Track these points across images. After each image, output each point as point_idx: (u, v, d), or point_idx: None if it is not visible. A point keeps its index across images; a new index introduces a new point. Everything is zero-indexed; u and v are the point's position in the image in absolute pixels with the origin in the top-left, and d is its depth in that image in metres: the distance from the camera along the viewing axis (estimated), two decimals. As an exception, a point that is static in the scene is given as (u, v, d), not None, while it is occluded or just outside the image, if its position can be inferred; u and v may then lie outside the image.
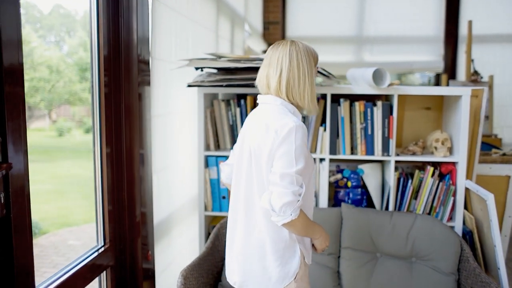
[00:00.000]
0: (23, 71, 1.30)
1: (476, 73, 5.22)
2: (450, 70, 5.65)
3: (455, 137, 2.39)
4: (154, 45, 2.15)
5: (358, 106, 2.37)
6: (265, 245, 1.58)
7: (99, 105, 1.88)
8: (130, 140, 2.01)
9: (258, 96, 1.69)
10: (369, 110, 2.36)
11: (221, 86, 2.20)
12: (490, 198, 2.02)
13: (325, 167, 2.42)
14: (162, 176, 2.34)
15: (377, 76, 2.31)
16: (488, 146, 4.05)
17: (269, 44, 5.82)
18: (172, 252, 2.50)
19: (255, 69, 2.17)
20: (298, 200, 1.48)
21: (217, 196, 2.55)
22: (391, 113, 2.35)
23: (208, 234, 2.61)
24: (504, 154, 3.49)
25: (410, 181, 2.42)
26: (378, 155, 2.37)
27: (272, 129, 1.53)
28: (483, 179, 2.78)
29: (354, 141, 2.40)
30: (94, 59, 1.84)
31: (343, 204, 2.32)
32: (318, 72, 2.17)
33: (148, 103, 2.10)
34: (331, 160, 2.59)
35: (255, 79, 2.16)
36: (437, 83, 5.79)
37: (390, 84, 2.26)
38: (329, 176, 2.56)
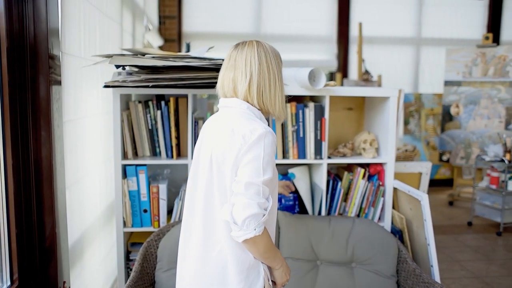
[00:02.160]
0: None
1: (367, 72, 5.50)
2: (343, 69, 5.89)
3: (381, 137, 2.41)
4: (64, 38, 1.81)
5: (290, 108, 2.27)
6: (226, 266, 1.40)
7: (1, 109, 1.51)
8: (39, 150, 1.67)
9: (220, 100, 1.52)
10: (300, 112, 2.27)
11: (147, 86, 1.93)
12: (424, 198, 2.06)
13: (257, 172, 2.27)
14: (75, 190, 2.00)
15: (310, 77, 2.23)
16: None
17: (165, 40, 5.52)
18: (88, 277, 2.16)
19: (185, 68, 1.95)
20: (264, 215, 1.33)
21: (138, 210, 2.26)
22: (322, 114, 2.29)
23: (127, 253, 2.31)
24: (406, 151, 3.68)
25: (339, 183, 2.39)
26: (310, 158, 2.30)
27: (239, 134, 1.37)
28: (398, 176, 2.87)
29: (285, 144, 2.30)
30: (-7, 53, 1.47)
31: (279, 212, 2.21)
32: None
33: (59, 106, 1.76)
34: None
35: (184, 79, 1.95)
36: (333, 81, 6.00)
37: (326, 85, 2.19)
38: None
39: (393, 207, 2.45)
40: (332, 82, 2.19)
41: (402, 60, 6.00)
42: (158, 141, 2.27)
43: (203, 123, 2.12)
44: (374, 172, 2.43)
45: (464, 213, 4.97)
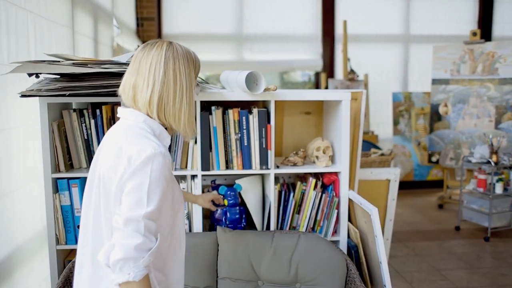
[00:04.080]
0: None
1: (352, 71, 5.32)
2: (329, 68, 5.70)
3: (337, 144, 2.24)
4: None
5: (232, 114, 2.10)
6: None
7: None
8: None
9: (119, 109, 1.34)
10: (244, 118, 2.10)
11: (63, 95, 1.78)
12: (374, 212, 1.89)
13: (197, 184, 2.11)
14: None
15: (252, 80, 2.07)
16: (367, 144, 4.09)
17: (144, 42, 5.37)
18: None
19: (106, 75, 1.80)
20: (143, 257, 1.15)
21: (72, 226, 2.11)
22: (268, 121, 2.12)
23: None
24: (382, 154, 3.50)
25: (292, 194, 2.22)
26: (256, 168, 2.13)
27: (125, 156, 1.20)
28: (365, 184, 2.69)
29: (229, 153, 2.13)
30: None
31: (218, 227, 2.04)
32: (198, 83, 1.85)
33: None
34: (205, 176, 2.29)
35: (106, 86, 1.80)
36: (318, 81, 5.83)
37: (266, 89, 2.02)
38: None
39: (351, 220, 2.28)
40: (272, 86, 2.02)
41: (390, 58, 5.80)
42: (94, 151, 2.12)
43: None
44: (328, 182, 2.25)
45: (453, 217, 4.76)
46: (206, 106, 2.16)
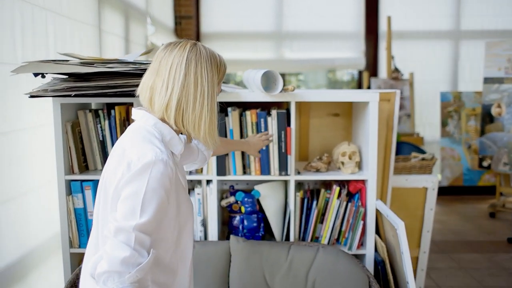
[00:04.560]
0: None
1: (397, 70, 5.05)
2: (372, 67, 5.45)
3: (365, 149, 2.05)
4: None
5: (250, 116, 1.97)
6: None
7: None
8: None
9: (133, 110, 1.26)
10: (262, 120, 1.97)
11: (69, 96, 1.71)
12: (400, 226, 1.70)
13: (212, 190, 2.00)
14: (5, 209, 1.83)
15: (271, 80, 1.93)
16: (410, 146, 3.84)
17: (182, 41, 5.34)
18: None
19: (114, 75, 1.71)
20: (129, 272, 1.05)
21: (85, 229, 2.06)
22: (288, 123, 1.97)
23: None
24: (423, 159, 3.25)
25: (315, 202, 2.06)
26: (274, 174, 1.99)
27: (126, 160, 1.11)
28: (399, 192, 2.48)
29: (246, 158, 2.00)
30: None
31: (231, 236, 1.92)
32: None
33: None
34: (224, 181, 2.17)
35: (113, 86, 1.71)
36: (361, 80, 5.59)
37: (284, 89, 1.88)
38: (221, 199, 2.15)
39: (379, 233, 2.09)
40: (290, 86, 1.87)
41: (438, 55, 5.45)
42: (109, 153, 2.05)
43: None
44: (354, 191, 2.07)
45: (506, 227, 4.39)
46: (223, 108, 2.03)
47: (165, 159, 1.11)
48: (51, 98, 1.92)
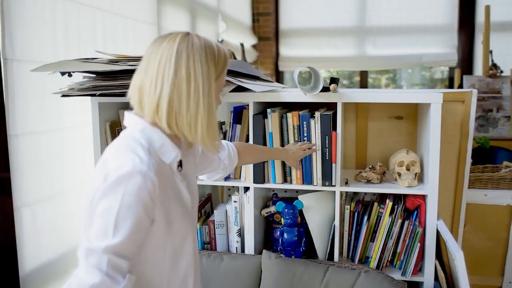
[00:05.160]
0: None
1: (495, 66, 4.48)
2: (466, 63, 4.89)
3: (427, 158, 1.75)
4: (14, 43, 1.64)
5: (291, 118, 1.77)
6: None
7: None
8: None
9: (125, 114, 1.12)
10: (305, 123, 1.75)
11: (93, 95, 1.65)
12: (458, 257, 1.39)
13: (250, 198, 1.83)
14: (47, 207, 1.83)
15: (315, 78, 1.71)
16: (507, 153, 3.36)
17: (260, 39, 5.23)
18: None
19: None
20: None
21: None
22: (334, 127, 1.73)
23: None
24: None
25: (366, 216, 1.81)
26: (317, 184, 1.77)
27: (104, 171, 0.98)
28: (476, 209, 2.12)
29: (287, 165, 1.80)
30: None
31: (264, 251, 1.74)
32: (229, 81, 1.58)
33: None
34: (262, 189, 1.98)
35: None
36: (453, 78, 5.05)
37: (325, 89, 1.65)
38: (263, 208, 1.97)
39: (441, 257, 1.77)
40: (332, 86, 1.63)
41: (548, 49, 4.74)
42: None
43: None
44: (412, 207, 1.78)
45: None
46: (262, 109, 1.86)
47: (144, 170, 0.96)
48: (90, 97, 1.88)
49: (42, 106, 1.80)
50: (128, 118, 1.08)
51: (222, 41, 4.05)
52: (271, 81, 2.00)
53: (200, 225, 1.91)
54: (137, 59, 1.60)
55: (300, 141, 1.76)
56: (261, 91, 1.65)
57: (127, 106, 2.01)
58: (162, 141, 1.06)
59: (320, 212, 1.87)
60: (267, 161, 1.81)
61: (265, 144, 1.79)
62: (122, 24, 2.38)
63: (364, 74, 5.37)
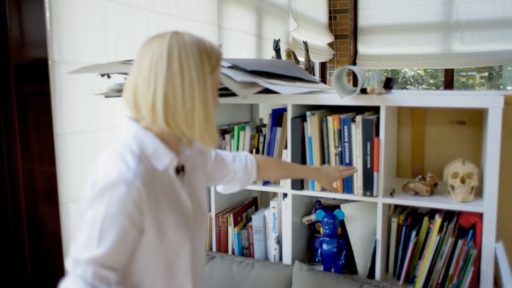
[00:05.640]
0: None
1: None
2: None
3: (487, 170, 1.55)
4: (62, 46, 1.71)
5: (332, 122, 1.65)
6: None
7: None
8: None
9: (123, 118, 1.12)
10: (346, 128, 1.63)
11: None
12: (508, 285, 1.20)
13: (287, 205, 1.75)
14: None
15: (360, 80, 1.58)
16: None
17: (336, 37, 5.07)
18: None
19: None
20: None
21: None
22: (376, 133, 1.59)
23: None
24: None
25: (413, 233, 1.64)
26: (358, 193, 1.64)
27: (93, 177, 0.97)
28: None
29: (326, 171, 1.69)
30: None
31: (296, 262, 1.64)
32: (254, 83, 1.51)
33: (46, 118, 1.67)
34: (300, 196, 1.88)
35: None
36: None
37: (363, 92, 1.51)
38: (305, 215, 1.88)
39: (497, 284, 1.55)
40: (370, 87, 1.49)
41: None
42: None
43: (234, 136, 1.77)
44: (467, 225, 1.58)
45: None
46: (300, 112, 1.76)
47: (129, 179, 0.93)
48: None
49: (89, 107, 1.87)
50: (124, 123, 1.06)
51: (293, 39, 3.97)
52: (317, 82, 1.89)
53: (239, 230, 1.87)
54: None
55: (340, 147, 1.64)
56: (290, 93, 1.56)
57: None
58: (155, 146, 1.02)
59: (364, 224, 1.74)
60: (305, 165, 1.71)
61: (304, 149, 1.70)
62: (178, 25, 2.41)
63: (449, 73, 4.98)
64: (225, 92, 1.49)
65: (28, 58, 1.60)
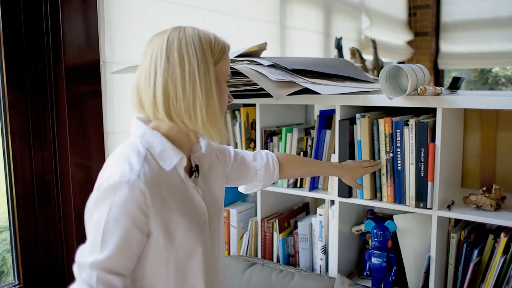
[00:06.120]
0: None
1: None
2: None
3: None
4: (114, 47, 1.76)
5: (383, 125, 1.52)
6: None
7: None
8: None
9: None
10: (398, 132, 1.49)
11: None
12: None
13: (334, 213, 1.64)
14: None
15: (410, 79, 1.44)
16: None
17: (416, 34, 4.78)
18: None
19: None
20: None
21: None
22: (432, 138, 1.43)
23: None
24: None
25: (477, 251, 1.46)
26: (410, 204, 1.48)
27: (100, 179, 0.96)
28: None
29: (376, 179, 1.56)
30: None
31: (338, 276, 1.53)
32: (293, 82, 1.42)
33: (96, 118, 1.72)
34: (347, 204, 1.75)
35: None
36: None
37: (417, 91, 1.36)
38: (355, 224, 1.75)
39: None
40: (420, 88, 1.33)
41: None
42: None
43: (281, 140, 1.72)
44: (539, 245, 1.37)
45: None
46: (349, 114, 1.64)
47: (132, 180, 0.90)
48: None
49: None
50: (132, 124, 1.04)
51: (365, 37, 3.79)
52: (372, 82, 1.76)
53: (284, 236, 1.79)
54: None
55: (392, 152, 1.50)
56: (331, 94, 1.45)
57: (233, 107, 2.00)
58: (162, 145, 0.99)
59: (419, 238, 1.58)
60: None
61: (352, 155, 1.58)
62: (236, 25, 2.38)
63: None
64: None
65: (80, 59, 1.65)
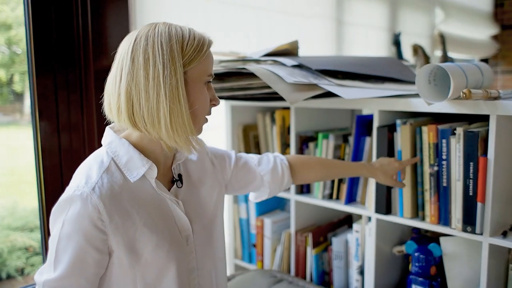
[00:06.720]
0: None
1: None
2: None
3: None
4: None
5: (427, 134, 1.31)
6: None
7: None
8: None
9: None
10: (444, 142, 1.28)
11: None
12: None
13: (371, 230, 1.46)
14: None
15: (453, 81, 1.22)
16: None
17: (503, 27, 4.31)
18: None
19: (242, 75, 1.46)
20: None
21: (247, 241, 1.90)
22: (484, 151, 1.21)
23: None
24: None
25: (539, 286, 1.22)
26: (456, 227, 1.27)
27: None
28: None
29: (418, 194, 1.36)
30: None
31: (368, 303, 1.35)
32: (315, 85, 1.27)
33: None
34: (385, 222, 1.54)
35: (244, 88, 1.48)
36: None
37: (460, 96, 1.15)
38: (397, 243, 1.56)
39: None
40: (466, 91, 1.11)
41: None
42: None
43: (317, 146, 1.59)
44: None
45: None
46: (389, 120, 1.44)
47: (85, 194, 0.83)
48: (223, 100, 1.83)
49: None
50: (105, 132, 0.96)
51: (439, 33, 3.46)
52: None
53: (318, 252, 1.64)
54: (238, 60, 1.45)
55: (437, 165, 1.30)
56: (356, 98, 1.27)
57: (265, 110, 1.88)
58: (129, 155, 0.90)
59: (469, 265, 1.36)
60: (392, 187, 1.40)
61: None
62: (281, 21, 2.24)
63: None
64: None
65: (109, 62, 1.61)
